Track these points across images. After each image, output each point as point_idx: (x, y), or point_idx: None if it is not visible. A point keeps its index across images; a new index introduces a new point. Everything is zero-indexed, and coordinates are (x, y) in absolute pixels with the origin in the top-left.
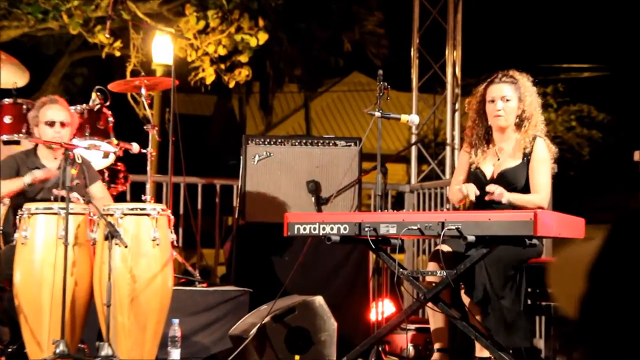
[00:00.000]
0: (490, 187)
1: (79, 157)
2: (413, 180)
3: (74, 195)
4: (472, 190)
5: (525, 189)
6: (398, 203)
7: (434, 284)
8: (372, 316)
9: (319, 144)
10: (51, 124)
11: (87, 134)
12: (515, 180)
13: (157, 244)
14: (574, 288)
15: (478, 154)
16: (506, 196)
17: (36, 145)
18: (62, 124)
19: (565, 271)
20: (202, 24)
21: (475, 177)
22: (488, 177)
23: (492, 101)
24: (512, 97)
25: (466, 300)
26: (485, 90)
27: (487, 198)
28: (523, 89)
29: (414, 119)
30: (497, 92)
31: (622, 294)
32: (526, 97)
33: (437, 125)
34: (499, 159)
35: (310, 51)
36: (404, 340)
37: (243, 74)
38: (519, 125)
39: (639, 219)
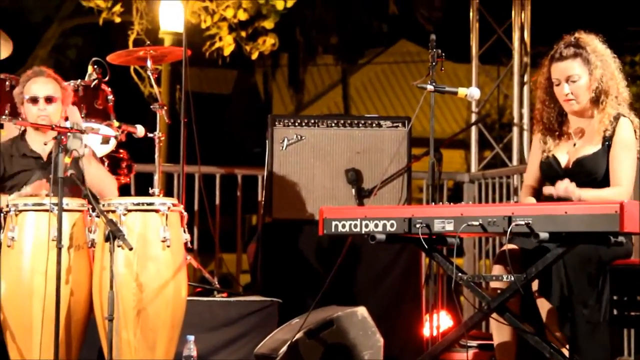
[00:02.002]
0: (557, 186)
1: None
2: (473, 168)
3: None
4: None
5: (606, 180)
6: (456, 196)
7: (499, 291)
8: (426, 331)
9: (360, 125)
10: (34, 100)
11: (82, 115)
12: (595, 169)
13: (168, 246)
14: None
15: (550, 140)
16: (577, 193)
17: (25, 128)
18: (48, 100)
19: None
20: None
21: (548, 166)
22: (563, 166)
23: (558, 84)
24: (581, 74)
25: (542, 306)
26: (550, 68)
27: (555, 195)
28: (593, 57)
29: (473, 92)
30: (560, 72)
31: None
32: (597, 69)
33: (502, 102)
34: (574, 145)
35: (348, 15)
36: (464, 359)
37: (268, 43)
38: (596, 101)
39: None
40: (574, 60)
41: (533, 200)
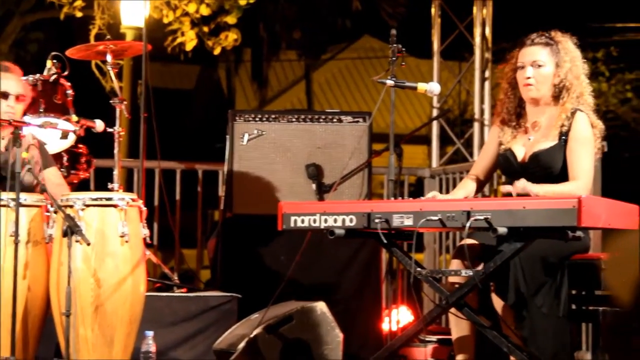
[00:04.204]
0: (515, 185)
1: (33, 137)
2: (434, 164)
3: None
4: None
5: (564, 174)
6: (417, 191)
7: (457, 286)
8: (385, 325)
9: (321, 120)
10: (4, 95)
11: (41, 110)
12: (551, 163)
13: (127, 241)
14: (630, 277)
15: (508, 133)
16: (533, 190)
17: None
18: (18, 98)
19: (623, 260)
20: None
21: (504, 160)
22: (519, 160)
23: (522, 67)
24: (547, 62)
25: (498, 303)
26: (518, 54)
27: (513, 193)
28: (563, 53)
29: (433, 87)
30: (527, 56)
31: None
32: (565, 63)
33: (465, 98)
34: (530, 139)
35: (311, 11)
36: (423, 353)
37: (231, 38)
38: (556, 97)
39: None
40: (544, 48)
41: (471, 186)
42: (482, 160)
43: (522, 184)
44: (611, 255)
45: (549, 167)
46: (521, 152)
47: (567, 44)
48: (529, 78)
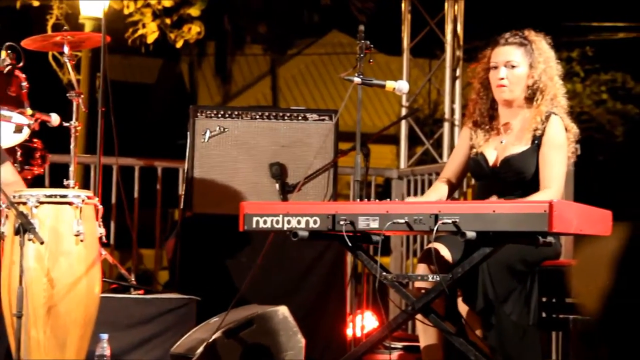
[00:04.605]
0: None
1: None
2: (403, 165)
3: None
4: None
5: (536, 179)
6: (385, 192)
7: (424, 291)
8: (349, 331)
9: (286, 118)
10: None
11: None
12: (523, 168)
13: (81, 240)
14: (597, 284)
15: (480, 135)
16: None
17: None
18: None
19: (589, 267)
20: None
21: (475, 164)
22: (491, 164)
23: (495, 67)
24: (521, 62)
25: (464, 310)
26: (491, 54)
27: None
28: (537, 53)
29: (402, 86)
30: (501, 56)
31: None
32: (539, 64)
33: (435, 97)
34: (502, 142)
35: (278, 4)
36: None
37: (194, 31)
38: (530, 99)
39: None
40: (518, 48)
41: (443, 190)
42: (452, 163)
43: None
44: (578, 262)
45: (520, 172)
46: (493, 155)
47: (541, 44)
48: (502, 79)
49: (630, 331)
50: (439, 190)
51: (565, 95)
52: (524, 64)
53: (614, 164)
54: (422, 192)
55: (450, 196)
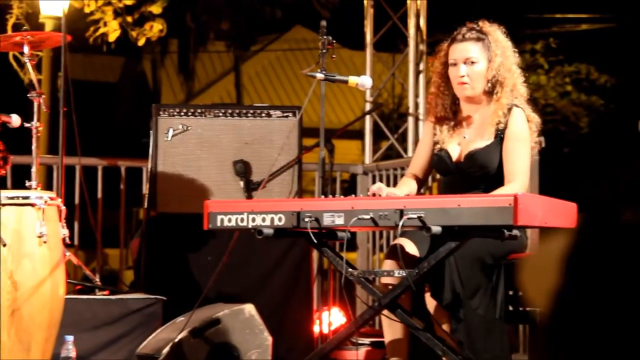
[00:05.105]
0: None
1: None
2: (367, 160)
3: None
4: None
5: (500, 173)
6: (351, 188)
7: (390, 287)
8: (316, 328)
9: (249, 115)
10: None
11: None
12: (487, 163)
13: (45, 242)
14: (546, 282)
15: (444, 131)
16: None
17: None
18: None
19: (537, 264)
20: None
21: (439, 160)
22: (454, 159)
23: (455, 64)
24: (479, 58)
25: (432, 304)
26: (448, 50)
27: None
28: (494, 46)
29: (365, 81)
30: (459, 52)
31: (597, 286)
32: (496, 57)
33: (399, 91)
34: (465, 137)
35: (241, 0)
36: (355, 357)
37: (156, 28)
38: (490, 93)
39: (612, 209)
40: (476, 44)
41: (413, 185)
42: (418, 158)
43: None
44: (529, 256)
45: (485, 167)
46: (456, 151)
47: (497, 35)
48: (463, 76)
49: (580, 329)
50: (409, 184)
51: (524, 84)
52: (483, 58)
53: (579, 155)
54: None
55: (419, 191)
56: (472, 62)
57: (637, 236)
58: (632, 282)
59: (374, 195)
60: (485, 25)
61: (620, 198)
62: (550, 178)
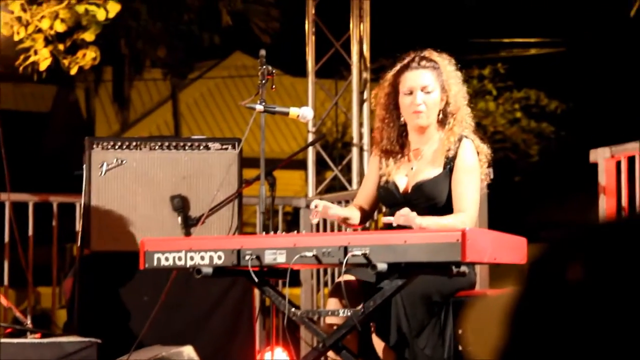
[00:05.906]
0: (396, 215)
1: None
2: (311, 192)
3: None
4: (321, 207)
5: (449, 205)
6: (294, 221)
7: (335, 327)
8: None
9: (186, 148)
10: None
11: None
12: (435, 194)
13: None
14: (491, 336)
15: (390, 163)
16: (417, 221)
17: None
18: None
19: (482, 319)
20: None
21: (386, 192)
22: (402, 191)
23: (410, 93)
24: (435, 86)
25: (379, 344)
26: (398, 79)
27: (394, 224)
28: (445, 76)
29: (306, 113)
30: (415, 80)
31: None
32: (451, 86)
33: (343, 119)
34: (412, 168)
35: (176, 25)
36: None
37: (89, 56)
38: (442, 122)
39: (559, 265)
40: (432, 72)
41: (356, 213)
42: (364, 191)
43: (405, 211)
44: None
45: (432, 198)
46: (403, 182)
47: (447, 66)
48: (419, 105)
49: None
50: (352, 210)
51: (470, 115)
52: (437, 88)
53: (530, 184)
54: (333, 222)
55: (363, 223)
56: (428, 92)
57: (583, 297)
58: (576, 344)
59: (315, 207)
60: (434, 54)
61: (568, 253)
62: (501, 209)
